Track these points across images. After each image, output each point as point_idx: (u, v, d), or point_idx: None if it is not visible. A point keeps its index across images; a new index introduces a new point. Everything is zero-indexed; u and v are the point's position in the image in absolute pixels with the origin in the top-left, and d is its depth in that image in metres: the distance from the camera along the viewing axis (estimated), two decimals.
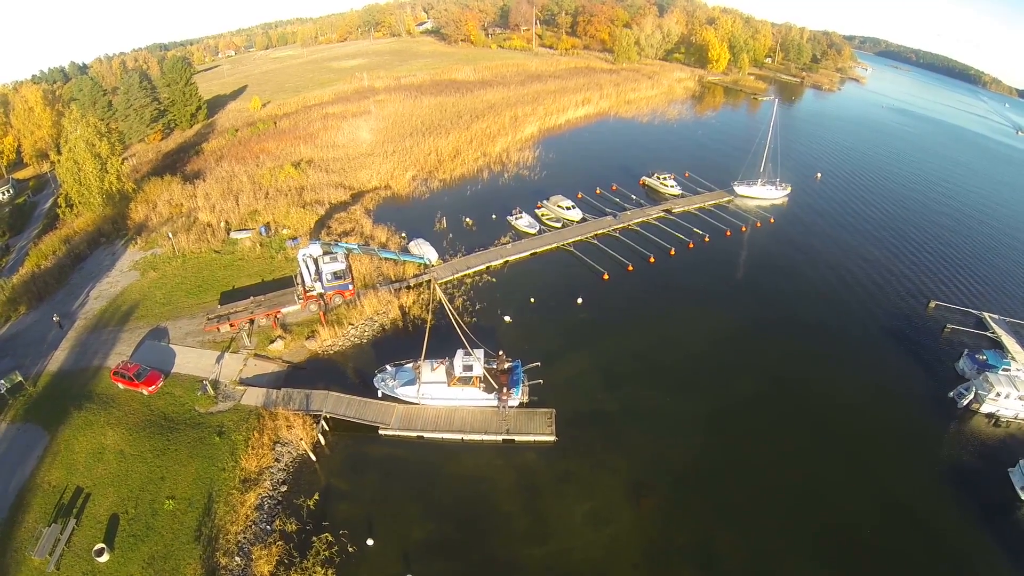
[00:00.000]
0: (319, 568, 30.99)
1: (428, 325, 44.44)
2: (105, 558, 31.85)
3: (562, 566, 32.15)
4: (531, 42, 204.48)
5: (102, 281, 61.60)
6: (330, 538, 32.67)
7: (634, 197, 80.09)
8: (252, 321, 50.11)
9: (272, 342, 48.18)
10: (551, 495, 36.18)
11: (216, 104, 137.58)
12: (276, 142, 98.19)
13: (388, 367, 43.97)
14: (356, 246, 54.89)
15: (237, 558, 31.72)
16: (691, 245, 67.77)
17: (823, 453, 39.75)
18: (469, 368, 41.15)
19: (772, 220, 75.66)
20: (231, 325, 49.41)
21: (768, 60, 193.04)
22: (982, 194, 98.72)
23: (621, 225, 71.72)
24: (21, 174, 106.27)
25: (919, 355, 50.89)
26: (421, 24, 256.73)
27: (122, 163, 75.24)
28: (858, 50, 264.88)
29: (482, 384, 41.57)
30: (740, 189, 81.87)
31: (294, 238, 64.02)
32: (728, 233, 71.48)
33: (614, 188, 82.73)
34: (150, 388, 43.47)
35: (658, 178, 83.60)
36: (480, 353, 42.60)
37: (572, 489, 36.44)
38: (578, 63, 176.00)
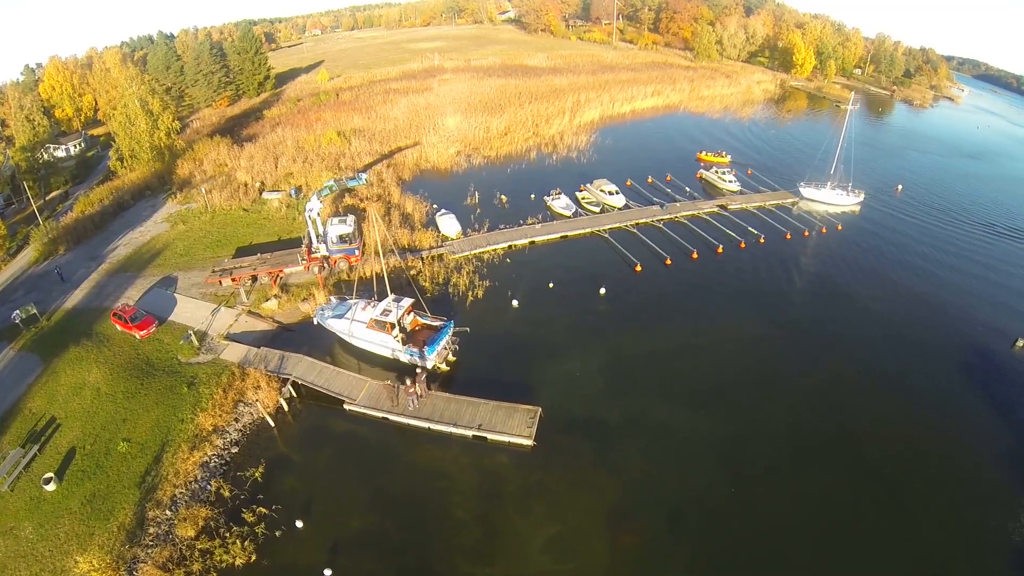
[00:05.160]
0: (238, 541, 28.39)
1: (384, 271, 41.82)
2: (51, 487, 31.73)
3: None
4: (611, 35, 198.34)
5: (136, 230, 63.01)
6: (263, 511, 30.00)
7: (688, 189, 74.07)
8: (255, 278, 48.87)
9: (267, 300, 46.63)
10: (514, 509, 30.96)
11: (289, 76, 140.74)
12: (333, 112, 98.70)
13: (333, 299, 44.29)
14: (333, 180, 54.30)
15: (168, 511, 29.98)
16: (743, 245, 61.31)
17: (859, 507, 31.27)
18: (387, 314, 39.74)
19: (840, 228, 67.82)
20: (233, 280, 48.36)
21: (858, 71, 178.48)
22: None
23: (668, 216, 65.98)
24: (97, 131, 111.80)
25: (999, 401, 40.22)
26: (503, 12, 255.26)
27: (173, 120, 76.56)
28: (956, 71, 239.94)
29: (397, 335, 39.57)
30: (807, 192, 74.30)
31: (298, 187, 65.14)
32: (788, 236, 64.38)
33: (668, 179, 77.06)
34: (142, 332, 43.47)
35: (716, 172, 77.34)
36: (406, 303, 41.19)
37: (540, 506, 31.03)
38: (656, 58, 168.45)
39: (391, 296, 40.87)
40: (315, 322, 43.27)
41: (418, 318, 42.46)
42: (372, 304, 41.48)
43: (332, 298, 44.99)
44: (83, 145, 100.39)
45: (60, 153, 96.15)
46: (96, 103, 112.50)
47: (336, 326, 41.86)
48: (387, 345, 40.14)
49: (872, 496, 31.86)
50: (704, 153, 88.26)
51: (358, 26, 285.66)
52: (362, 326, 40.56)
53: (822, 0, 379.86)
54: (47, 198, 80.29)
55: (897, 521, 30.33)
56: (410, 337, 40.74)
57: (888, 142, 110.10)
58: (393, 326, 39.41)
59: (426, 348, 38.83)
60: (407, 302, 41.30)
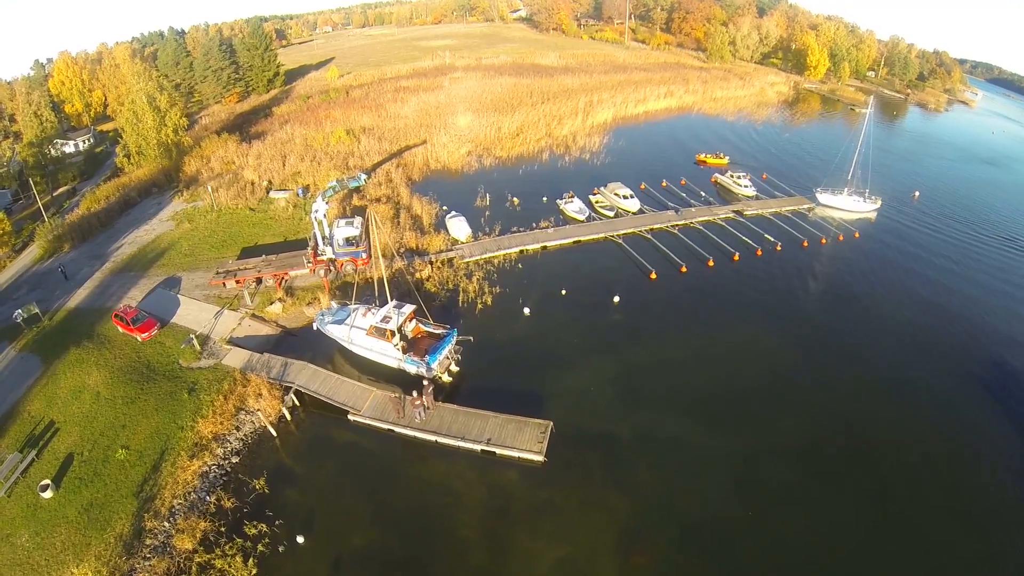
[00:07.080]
0: (239, 557, 27.31)
1: (387, 276, 40.80)
2: (48, 495, 31.04)
3: None
4: (623, 35, 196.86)
5: (141, 228, 62.28)
6: (264, 528, 28.92)
7: (703, 194, 72.58)
8: (259, 280, 47.94)
9: (271, 304, 45.64)
10: (522, 527, 29.76)
11: (299, 73, 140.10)
12: (343, 110, 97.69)
13: (334, 303, 43.19)
14: (336, 181, 52.94)
15: (166, 523, 29.03)
16: (759, 252, 59.74)
17: (884, 531, 29.87)
18: (387, 320, 38.26)
19: (857, 235, 66.12)
20: (237, 282, 47.45)
21: (871, 74, 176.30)
22: None
23: (682, 222, 64.57)
24: (106, 126, 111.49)
25: (1018, 417, 38.61)
26: (515, 11, 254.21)
27: (180, 117, 75.85)
28: (969, 75, 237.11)
29: (397, 343, 38.17)
30: (823, 198, 72.66)
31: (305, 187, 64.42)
32: (806, 244, 62.80)
33: (683, 183, 75.62)
34: (143, 335, 42.63)
35: (731, 177, 75.78)
36: (407, 309, 39.70)
37: (550, 525, 29.78)
38: (668, 59, 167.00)
39: (392, 302, 39.45)
40: (315, 327, 41.96)
41: (420, 325, 41.02)
42: (372, 310, 40.09)
43: (333, 303, 43.90)
44: (91, 141, 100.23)
45: (68, 149, 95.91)
46: (106, 99, 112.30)
47: (336, 332, 40.51)
48: (387, 353, 38.71)
49: (890, 515, 30.56)
50: (704, 155, 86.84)
51: (369, 23, 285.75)
52: (361, 333, 39.14)
53: (836, 1, 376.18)
54: (54, 194, 79.95)
55: (915, 540, 29.15)
56: (412, 345, 39.30)
57: (903, 147, 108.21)
58: (393, 333, 37.97)
59: (427, 357, 37.52)
60: (408, 308, 39.85)
